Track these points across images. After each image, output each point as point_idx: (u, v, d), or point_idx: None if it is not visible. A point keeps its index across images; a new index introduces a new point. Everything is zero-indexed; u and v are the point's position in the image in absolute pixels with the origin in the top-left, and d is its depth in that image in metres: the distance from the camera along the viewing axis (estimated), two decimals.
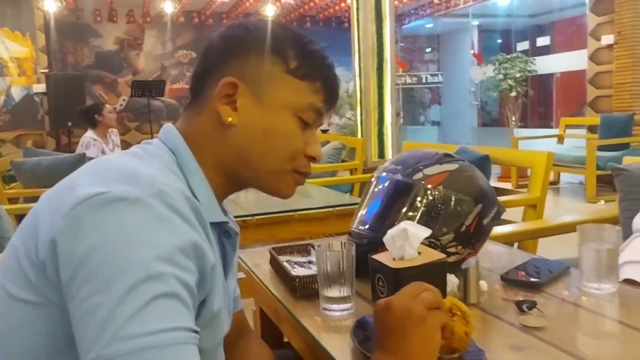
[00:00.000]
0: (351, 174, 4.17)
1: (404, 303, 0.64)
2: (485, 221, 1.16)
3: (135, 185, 0.59)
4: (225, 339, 0.91)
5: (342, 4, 7.32)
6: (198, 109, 0.74)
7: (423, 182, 1.14)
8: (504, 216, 1.23)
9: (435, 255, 0.98)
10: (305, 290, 1.04)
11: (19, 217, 3.25)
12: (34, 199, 3.22)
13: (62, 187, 0.63)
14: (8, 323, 0.61)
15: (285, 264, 1.16)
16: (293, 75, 0.72)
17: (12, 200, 3.35)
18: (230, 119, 0.71)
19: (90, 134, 4.35)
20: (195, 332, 0.57)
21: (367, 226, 1.18)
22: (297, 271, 1.13)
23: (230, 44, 0.73)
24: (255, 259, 1.32)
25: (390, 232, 0.99)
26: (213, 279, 0.65)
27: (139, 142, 0.75)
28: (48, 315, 0.59)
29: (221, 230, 0.74)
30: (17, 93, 6.81)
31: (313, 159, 0.77)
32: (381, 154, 4.84)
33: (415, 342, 0.63)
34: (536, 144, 6.55)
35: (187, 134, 0.73)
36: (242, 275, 1.27)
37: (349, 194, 3.74)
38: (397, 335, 0.63)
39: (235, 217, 2.08)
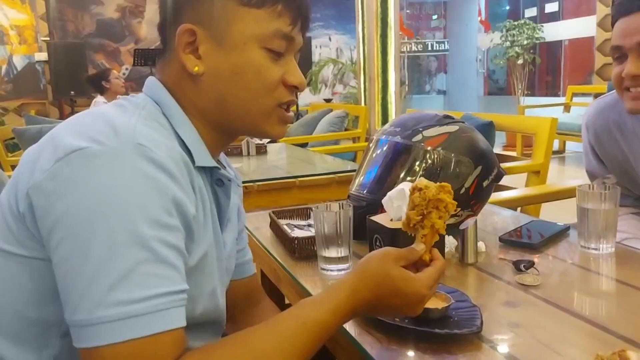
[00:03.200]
0: (354, 142, 4.16)
1: (425, 292, 0.67)
2: (485, 183, 1.16)
3: (114, 139, 0.58)
4: (236, 306, 0.91)
5: None
6: (167, 60, 0.72)
7: (422, 143, 1.13)
8: (507, 182, 1.22)
9: None
10: (304, 251, 1.05)
11: None
12: None
13: (44, 141, 0.62)
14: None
15: (284, 226, 1.17)
16: (248, 5, 0.67)
17: (15, 167, 3.37)
18: (196, 69, 0.68)
19: (101, 99, 4.37)
20: (183, 291, 0.58)
21: (365, 189, 1.17)
22: (296, 233, 1.13)
23: None
24: (256, 222, 1.32)
25: (389, 194, 0.99)
26: (194, 230, 0.64)
27: None
28: (33, 267, 0.60)
29: (213, 178, 0.72)
30: (18, 62, 6.76)
31: (295, 87, 0.72)
32: (385, 123, 4.81)
33: (400, 311, 0.69)
34: (543, 112, 6.49)
35: (165, 84, 0.71)
36: None
37: (351, 162, 3.73)
38: (395, 303, 0.67)
39: None
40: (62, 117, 6.68)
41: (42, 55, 6.60)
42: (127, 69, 7.59)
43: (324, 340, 0.63)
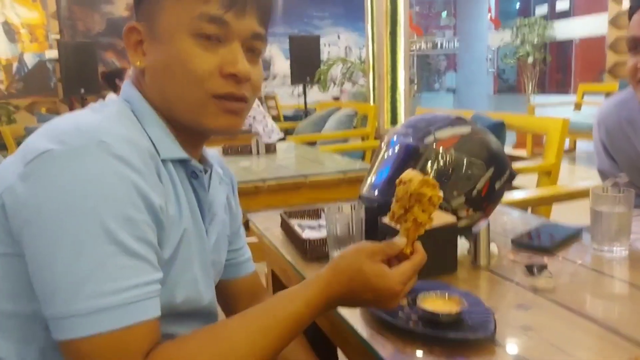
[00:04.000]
0: (363, 141, 4.15)
1: (398, 288, 0.68)
2: (497, 185, 1.15)
3: (77, 138, 0.60)
4: (237, 304, 0.92)
5: None
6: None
7: (434, 145, 1.13)
8: (518, 183, 1.22)
9: (446, 218, 0.98)
10: (316, 252, 1.05)
11: None
12: None
13: (19, 148, 0.65)
14: None
15: (296, 227, 1.17)
16: None
17: None
18: (138, 63, 0.70)
19: (113, 97, 4.39)
20: (157, 280, 0.60)
21: (377, 190, 1.17)
22: (308, 234, 1.13)
23: None
24: (266, 222, 1.33)
25: None
26: (163, 220, 0.65)
27: None
28: (8, 263, 0.62)
29: (188, 170, 0.73)
30: (29, 60, 6.81)
31: (234, 76, 0.68)
32: (394, 121, 4.80)
33: (374, 305, 0.71)
34: (553, 111, 6.45)
35: (134, 84, 0.73)
36: (253, 239, 1.28)
37: (360, 161, 3.73)
38: (367, 298, 0.68)
39: (247, 182, 2.09)
40: None
41: (53, 53, 6.65)
42: None
43: (296, 332, 0.65)
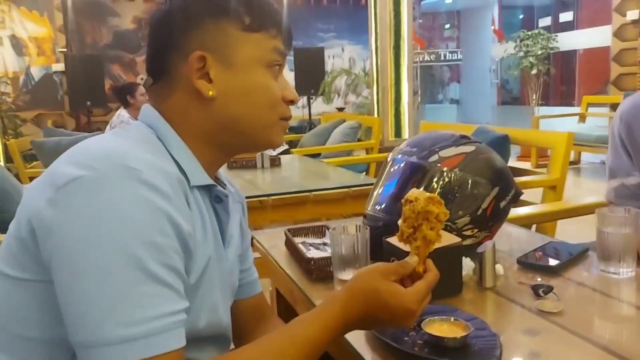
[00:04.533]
0: (367, 153, 4.16)
1: (414, 307, 0.68)
2: (502, 204, 1.15)
3: (105, 164, 0.60)
4: (244, 324, 0.92)
5: None
6: (169, 87, 0.73)
7: (439, 164, 1.13)
8: (523, 197, 1.22)
9: (451, 239, 0.97)
10: (321, 272, 1.05)
11: None
12: None
13: (45, 172, 0.66)
14: (1, 300, 0.64)
15: (300, 245, 1.17)
16: (250, 30, 0.73)
17: (33, 179, 3.42)
18: (210, 92, 0.71)
19: (124, 112, 4.39)
20: (183, 310, 0.60)
21: (382, 208, 1.17)
22: (312, 253, 1.13)
23: (183, 18, 0.72)
24: (271, 239, 1.33)
25: None
26: (191, 247, 0.65)
27: None
28: (37, 291, 0.62)
29: (212, 195, 0.75)
30: (36, 73, 6.87)
31: (292, 102, 0.78)
32: (398, 133, 4.81)
33: (391, 325, 0.72)
34: (557, 122, 6.44)
35: (163, 112, 0.73)
36: (257, 255, 1.28)
37: (364, 173, 3.73)
38: (384, 319, 0.68)
39: (251, 197, 2.09)
40: (79, 127, 6.76)
41: (60, 66, 6.71)
42: (142, 78, 7.68)
43: (315, 356, 0.65)
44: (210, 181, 0.73)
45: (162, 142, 0.71)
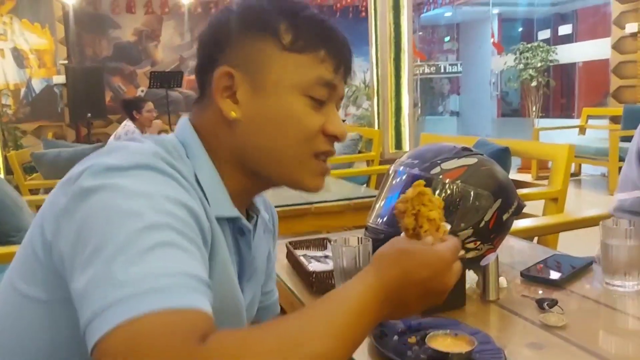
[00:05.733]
0: (368, 165, 4.16)
1: (450, 256, 0.60)
2: (504, 216, 1.14)
3: (136, 155, 0.57)
4: None
5: None
6: (204, 104, 0.69)
7: (441, 176, 1.12)
8: (525, 209, 1.21)
9: None
10: (322, 285, 1.04)
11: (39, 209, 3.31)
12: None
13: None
14: (13, 319, 0.61)
15: (301, 258, 1.16)
16: (290, 50, 0.64)
17: (33, 191, 3.41)
18: (233, 114, 0.65)
19: (130, 122, 4.41)
20: (205, 282, 0.51)
21: (384, 221, 1.16)
22: (314, 266, 1.12)
23: (219, 32, 0.67)
24: None
25: None
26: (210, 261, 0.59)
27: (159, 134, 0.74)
28: (51, 311, 0.59)
29: (235, 227, 0.68)
30: (37, 85, 6.90)
31: (335, 137, 0.68)
32: (398, 145, 4.81)
33: (433, 284, 0.60)
34: (557, 135, 6.44)
35: (198, 128, 0.69)
36: None
37: (365, 185, 3.73)
38: (423, 276, 0.58)
39: None
40: (79, 139, 6.77)
41: (60, 79, 6.74)
42: (142, 91, 7.71)
43: (363, 322, 0.54)
44: (234, 213, 0.66)
45: (192, 162, 0.65)
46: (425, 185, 1.12)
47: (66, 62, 6.92)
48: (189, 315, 0.47)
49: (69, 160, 3.36)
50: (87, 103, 6.22)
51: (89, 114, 6.27)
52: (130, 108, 4.46)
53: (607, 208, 1.43)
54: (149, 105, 4.53)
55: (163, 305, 0.46)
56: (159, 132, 4.57)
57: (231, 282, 0.67)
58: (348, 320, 0.52)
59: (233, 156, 0.68)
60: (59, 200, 0.57)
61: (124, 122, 4.48)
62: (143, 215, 0.51)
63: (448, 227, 0.69)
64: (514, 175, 5.51)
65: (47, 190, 3.35)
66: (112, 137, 4.49)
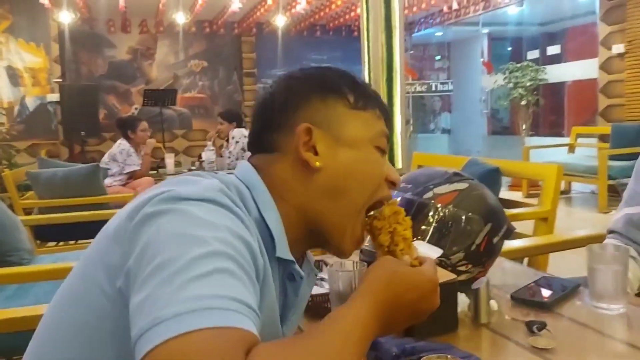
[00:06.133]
0: None
1: (435, 279, 0.69)
2: (495, 240, 1.18)
3: (205, 189, 0.61)
4: None
5: (352, 14, 7.35)
6: (272, 158, 0.74)
7: (433, 201, 1.16)
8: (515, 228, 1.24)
9: (446, 275, 0.99)
10: (319, 309, 1.06)
11: (34, 228, 3.30)
12: (49, 209, 3.28)
13: (129, 205, 0.65)
14: (89, 332, 0.61)
15: None
16: (356, 109, 0.75)
17: (27, 210, 3.41)
18: (317, 164, 0.72)
19: (125, 142, 4.44)
20: (255, 312, 0.54)
21: None
22: None
23: (289, 96, 0.75)
24: None
25: None
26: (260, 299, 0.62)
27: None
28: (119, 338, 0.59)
29: (286, 271, 0.72)
30: (31, 103, 6.91)
31: (393, 184, 0.77)
32: (391, 163, 4.84)
33: (420, 304, 0.68)
34: (547, 153, 6.52)
35: (264, 176, 0.73)
36: None
37: None
38: (412, 298, 0.66)
39: None
40: (72, 157, 6.77)
41: (55, 97, 6.76)
42: (136, 108, 7.75)
43: (367, 338, 0.60)
44: (290, 256, 0.70)
45: (257, 204, 0.69)
46: (419, 209, 1.16)
47: (60, 80, 6.95)
48: (237, 333, 0.50)
49: (64, 179, 3.36)
50: (81, 121, 6.24)
51: (83, 132, 6.28)
52: (125, 128, 4.50)
53: (609, 224, 1.44)
54: (144, 124, 4.56)
55: (214, 324, 0.49)
56: (152, 150, 4.59)
57: (274, 323, 0.71)
58: (358, 338, 0.58)
59: (300, 206, 0.73)
60: (126, 226, 0.60)
61: (119, 141, 4.50)
62: (206, 243, 0.55)
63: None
64: (505, 192, 5.57)
65: (42, 210, 3.35)
66: (106, 156, 4.51)
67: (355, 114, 0.75)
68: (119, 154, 4.38)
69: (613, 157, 5.32)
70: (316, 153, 0.72)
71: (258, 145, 0.77)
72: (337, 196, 0.73)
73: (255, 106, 0.79)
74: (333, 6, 6.62)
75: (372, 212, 0.76)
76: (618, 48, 5.98)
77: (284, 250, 0.70)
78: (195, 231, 0.56)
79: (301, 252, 0.78)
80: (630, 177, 1.86)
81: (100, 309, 0.60)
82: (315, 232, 0.75)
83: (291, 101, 0.75)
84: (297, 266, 0.72)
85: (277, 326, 0.71)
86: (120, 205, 3.44)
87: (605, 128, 5.92)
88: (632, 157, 5.35)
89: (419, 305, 0.67)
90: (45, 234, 3.41)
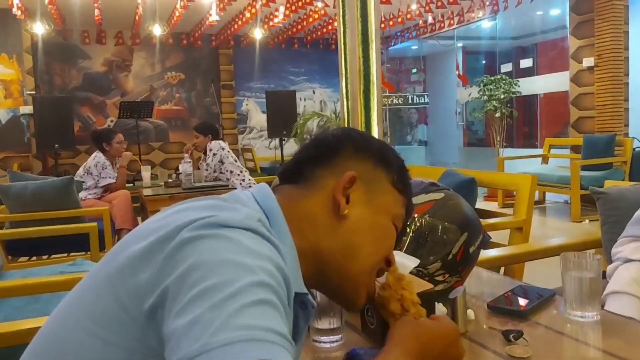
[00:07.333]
0: None
1: (457, 328, 0.73)
2: (471, 249, 1.18)
3: (246, 218, 0.62)
4: None
5: (330, 27, 7.41)
6: (305, 193, 0.76)
7: None
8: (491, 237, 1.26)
9: (423, 285, 1.00)
10: None
11: (5, 243, 3.21)
12: (20, 223, 3.20)
13: (156, 218, 0.65)
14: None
15: None
16: (396, 187, 0.81)
17: None
18: (346, 211, 0.75)
19: (100, 154, 4.37)
20: (292, 344, 0.56)
21: None
22: None
23: (348, 144, 0.80)
24: None
25: None
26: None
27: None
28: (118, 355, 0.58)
29: (298, 300, 0.72)
30: (3, 115, 6.75)
31: (388, 263, 0.81)
32: None
33: (449, 354, 0.72)
34: (521, 163, 6.65)
35: (286, 208, 0.73)
36: None
37: None
38: (439, 346, 0.70)
39: None
40: (46, 170, 6.63)
41: (27, 109, 6.63)
42: (112, 121, 7.65)
43: None
44: (304, 289, 0.72)
45: (273, 234, 0.68)
46: None
47: (33, 92, 6.83)
48: None
49: (35, 192, 3.29)
50: (54, 133, 6.12)
51: (57, 145, 6.17)
52: (100, 140, 4.43)
53: (618, 255, 1.40)
54: (119, 136, 4.50)
55: (261, 356, 0.50)
56: (128, 163, 4.53)
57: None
58: None
59: (317, 245, 0.74)
60: (161, 247, 0.59)
61: (94, 154, 4.43)
62: (254, 272, 0.56)
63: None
64: (480, 203, 5.64)
65: (14, 225, 3.27)
66: (81, 169, 4.43)
67: (393, 190, 0.80)
68: (94, 167, 4.31)
69: (585, 168, 5.44)
70: (348, 202, 0.76)
71: (294, 175, 0.79)
72: (352, 251, 0.75)
73: (313, 139, 0.83)
74: (310, 19, 6.66)
75: (378, 284, 0.80)
76: (588, 61, 6.15)
77: (299, 285, 0.71)
78: (242, 259, 0.57)
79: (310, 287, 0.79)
80: (602, 186, 1.91)
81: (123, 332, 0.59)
82: (324, 276, 0.76)
83: (348, 149, 0.79)
84: (309, 297, 0.72)
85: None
86: (95, 218, 3.40)
87: (577, 139, 6.06)
88: (602, 167, 5.49)
89: (448, 353, 0.71)
90: (17, 248, 3.33)
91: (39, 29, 6.20)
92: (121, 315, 0.59)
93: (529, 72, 8.34)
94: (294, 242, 0.71)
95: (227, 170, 4.50)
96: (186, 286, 0.55)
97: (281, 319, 0.56)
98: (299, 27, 7.10)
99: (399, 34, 8.72)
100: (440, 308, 1.04)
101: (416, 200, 1.19)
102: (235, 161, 4.57)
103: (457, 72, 8.88)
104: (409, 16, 6.87)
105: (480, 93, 7.35)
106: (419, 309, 0.76)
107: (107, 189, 4.36)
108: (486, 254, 1.76)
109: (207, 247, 0.57)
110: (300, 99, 8.51)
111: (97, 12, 5.98)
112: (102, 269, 0.65)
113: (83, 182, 4.26)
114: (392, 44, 9.19)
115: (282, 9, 6.11)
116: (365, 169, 0.78)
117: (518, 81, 7.37)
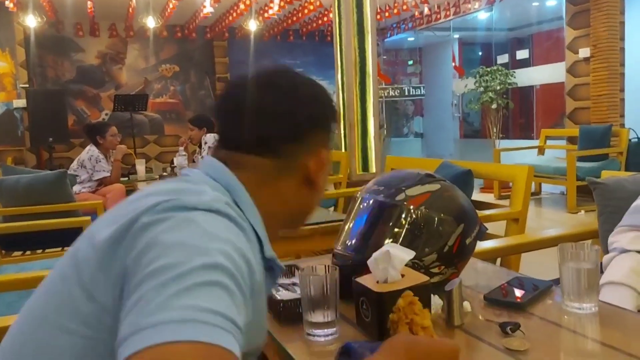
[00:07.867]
0: (335, 187, 4.18)
1: (453, 344, 0.69)
2: (467, 241, 1.17)
3: (212, 200, 0.63)
4: None
5: (325, 19, 7.36)
6: (273, 167, 0.78)
7: (405, 202, 1.15)
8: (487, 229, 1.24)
9: (419, 277, 0.98)
10: (290, 314, 1.04)
11: None
12: (14, 218, 3.17)
13: (122, 205, 0.66)
14: (53, 356, 0.60)
15: None
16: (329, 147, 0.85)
17: None
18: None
19: (94, 148, 4.34)
20: (240, 330, 0.55)
21: (350, 248, 1.18)
22: (281, 294, 1.12)
23: (315, 116, 0.82)
24: None
25: (374, 255, 0.99)
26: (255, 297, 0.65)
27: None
28: (95, 348, 0.59)
29: (267, 264, 0.75)
30: None
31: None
32: (365, 167, 4.86)
33: None
34: (518, 155, 6.64)
35: (248, 181, 0.75)
36: None
37: (333, 207, 3.74)
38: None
39: None
40: (40, 164, 6.59)
41: (21, 102, 6.57)
42: (106, 114, 7.59)
43: None
44: (274, 254, 0.76)
45: (238, 206, 0.71)
46: (391, 212, 1.15)
47: (27, 85, 6.76)
48: (219, 351, 0.50)
49: (28, 186, 3.26)
50: (48, 127, 6.08)
51: (51, 138, 6.12)
52: (94, 133, 4.40)
53: (615, 245, 1.39)
54: (113, 129, 4.46)
55: (199, 338, 0.49)
56: (123, 156, 4.50)
57: (262, 323, 0.76)
58: None
59: (289, 211, 0.81)
60: (124, 234, 0.60)
61: (88, 147, 4.40)
62: (207, 254, 0.56)
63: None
64: (477, 195, 5.63)
65: (7, 219, 3.24)
66: (74, 162, 4.40)
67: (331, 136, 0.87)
68: (88, 160, 4.28)
69: (581, 159, 5.44)
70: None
71: (256, 147, 0.77)
72: (312, 205, 0.85)
73: (269, 111, 0.79)
74: (306, 11, 6.61)
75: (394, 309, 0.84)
76: (584, 52, 6.13)
77: (268, 249, 0.74)
78: (198, 241, 0.57)
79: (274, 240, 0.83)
80: (598, 177, 1.90)
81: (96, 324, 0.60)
82: (288, 224, 0.84)
83: (315, 123, 0.81)
84: (277, 260, 0.76)
85: (264, 326, 0.77)
86: (89, 212, 3.37)
87: (573, 130, 6.05)
88: (599, 158, 5.49)
89: None
90: (10, 243, 3.30)
91: (32, 21, 6.13)
92: (93, 308, 0.59)
93: (525, 63, 8.31)
94: (255, 207, 0.73)
95: None
96: (141, 265, 0.56)
97: (232, 303, 0.55)
98: (294, 18, 7.05)
99: (394, 25, 8.67)
100: (436, 300, 1.03)
101: (412, 192, 1.17)
102: None
103: (453, 64, 8.85)
104: (404, 7, 6.83)
105: (477, 84, 7.33)
106: (428, 334, 0.77)
107: (102, 182, 4.33)
108: (482, 245, 1.74)
109: (163, 228, 0.58)
110: None
111: (89, 4, 5.92)
112: (69, 261, 0.65)
113: (77, 175, 4.23)
114: (388, 35, 9.14)
115: (277, 0, 6.06)
116: (329, 137, 0.84)
117: (514, 72, 7.35)
